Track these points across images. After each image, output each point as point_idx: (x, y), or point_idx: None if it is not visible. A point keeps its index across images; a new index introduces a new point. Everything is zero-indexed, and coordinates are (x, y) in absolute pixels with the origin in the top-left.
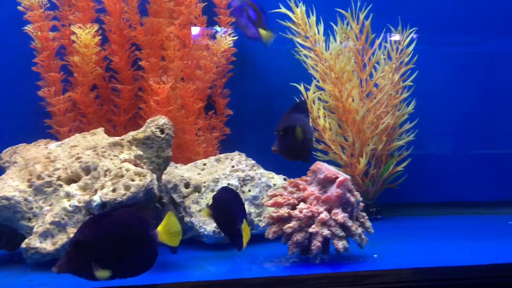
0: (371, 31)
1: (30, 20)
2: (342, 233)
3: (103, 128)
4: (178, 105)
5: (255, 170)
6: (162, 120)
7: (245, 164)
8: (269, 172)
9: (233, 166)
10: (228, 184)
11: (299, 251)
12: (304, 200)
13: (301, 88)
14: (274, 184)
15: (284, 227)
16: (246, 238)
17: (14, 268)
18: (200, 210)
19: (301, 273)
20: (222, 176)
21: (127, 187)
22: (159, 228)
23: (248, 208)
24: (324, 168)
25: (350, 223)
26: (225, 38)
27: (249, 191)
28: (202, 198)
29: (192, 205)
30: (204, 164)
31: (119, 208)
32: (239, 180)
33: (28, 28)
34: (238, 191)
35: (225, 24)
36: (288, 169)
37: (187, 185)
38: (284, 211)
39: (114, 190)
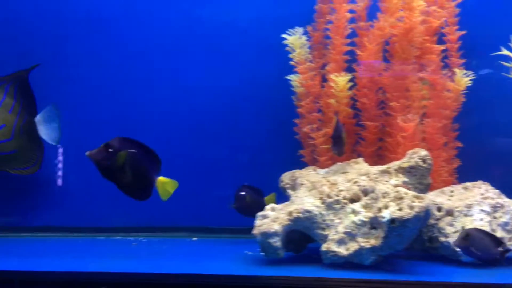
0: None
1: (298, 72)
2: None
3: (362, 158)
4: (420, 138)
5: (502, 198)
6: (423, 152)
7: (492, 193)
8: None
9: (482, 194)
10: (481, 210)
11: None
12: None
13: None
14: None
15: None
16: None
17: (311, 267)
18: (455, 232)
19: None
20: (475, 202)
21: (411, 207)
22: (161, 178)
23: (501, 233)
24: None
25: None
26: (463, 78)
27: (500, 217)
28: (456, 221)
29: (447, 227)
30: (452, 191)
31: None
32: (491, 207)
33: (296, 78)
34: (490, 217)
35: (456, 65)
36: None
37: (439, 209)
38: None
39: (400, 209)
